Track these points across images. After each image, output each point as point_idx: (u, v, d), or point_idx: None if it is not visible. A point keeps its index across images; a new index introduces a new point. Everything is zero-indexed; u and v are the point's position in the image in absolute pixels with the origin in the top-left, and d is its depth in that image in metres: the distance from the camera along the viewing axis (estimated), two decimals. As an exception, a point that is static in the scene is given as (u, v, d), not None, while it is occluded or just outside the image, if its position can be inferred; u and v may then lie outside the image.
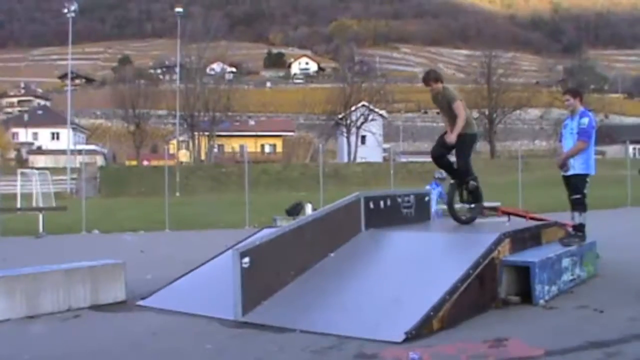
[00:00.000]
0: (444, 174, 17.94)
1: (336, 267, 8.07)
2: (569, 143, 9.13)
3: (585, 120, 8.99)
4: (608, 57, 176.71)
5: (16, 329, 7.33)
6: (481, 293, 7.34)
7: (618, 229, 8.24)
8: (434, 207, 17.10)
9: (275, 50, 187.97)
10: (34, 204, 32.91)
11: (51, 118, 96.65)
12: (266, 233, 8.19)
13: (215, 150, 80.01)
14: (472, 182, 9.58)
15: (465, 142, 9.46)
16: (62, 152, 67.95)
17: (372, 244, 8.79)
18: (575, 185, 9.12)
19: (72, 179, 51.94)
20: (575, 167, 9.04)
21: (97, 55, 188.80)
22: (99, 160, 75.26)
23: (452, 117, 9.39)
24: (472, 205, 9.88)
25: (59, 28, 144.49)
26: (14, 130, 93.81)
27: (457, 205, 9.88)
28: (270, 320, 6.98)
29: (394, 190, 13.03)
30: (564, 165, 9.11)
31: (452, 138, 9.18)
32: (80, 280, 8.38)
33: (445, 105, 9.46)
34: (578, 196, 9.10)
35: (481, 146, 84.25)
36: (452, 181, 10.01)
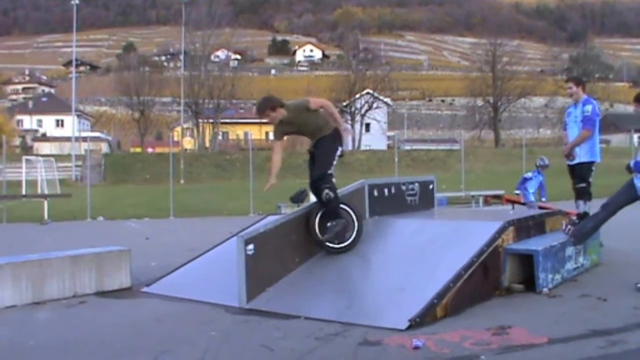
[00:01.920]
0: (546, 160, 17.46)
1: (340, 254, 8.09)
2: (573, 131, 9.11)
3: (589, 107, 8.96)
4: (613, 46, 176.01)
5: (22, 315, 7.38)
6: (485, 281, 7.36)
7: (622, 217, 8.23)
8: (530, 197, 16.66)
9: (279, 38, 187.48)
10: (39, 191, 32.93)
11: (56, 105, 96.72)
12: (270, 220, 8.20)
13: (220, 137, 79.93)
14: (327, 192, 7.81)
15: (326, 144, 8.05)
16: (67, 139, 68.06)
17: (376, 231, 8.80)
18: (580, 173, 9.11)
19: (77, 166, 51.93)
20: (581, 155, 9.03)
21: (102, 42, 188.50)
22: (104, 148, 75.40)
23: (312, 130, 8.05)
24: (329, 224, 7.92)
25: (63, 15, 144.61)
26: (19, 117, 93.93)
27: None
28: (275, 307, 7.01)
29: (398, 178, 13.01)
30: (569, 155, 9.10)
31: (346, 127, 8.10)
32: (86, 267, 8.42)
33: (299, 121, 7.96)
34: (583, 185, 9.10)
35: (486, 134, 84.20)
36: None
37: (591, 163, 9.05)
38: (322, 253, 8.09)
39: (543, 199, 16.74)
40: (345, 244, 8.08)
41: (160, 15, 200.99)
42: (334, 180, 8.08)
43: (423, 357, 5.25)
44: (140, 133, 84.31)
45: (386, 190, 9.71)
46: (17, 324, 6.96)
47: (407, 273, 7.26)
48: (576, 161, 9.10)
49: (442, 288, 6.66)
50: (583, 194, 9.13)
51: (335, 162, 8.03)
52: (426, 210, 10.53)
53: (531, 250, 7.76)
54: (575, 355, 5.19)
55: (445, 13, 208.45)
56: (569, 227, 8.37)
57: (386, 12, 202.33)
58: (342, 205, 8.16)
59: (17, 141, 79.41)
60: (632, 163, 7.88)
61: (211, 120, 76.45)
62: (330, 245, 8.01)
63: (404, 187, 10.20)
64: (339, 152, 8.07)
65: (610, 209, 8.09)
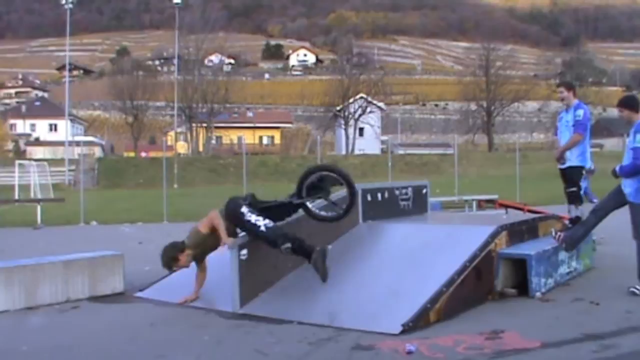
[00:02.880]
0: (592, 165, 16.97)
1: (333, 259, 8.07)
2: (565, 136, 9.14)
3: (581, 112, 8.98)
4: (606, 50, 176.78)
5: (15, 320, 7.36)
6: (478, 285, 7.38)
7: (614, 222, 8.28)
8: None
9: (273, 42, 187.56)
10: (31, 196, 32.86)
11: (49, 109, 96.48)
12: (264, 225, 8.17)
13: (213, 141, 79.91)
14: (285, 247, 7.23)
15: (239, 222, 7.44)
16: (60, 143, 67.80)
17: (370, 236, 8.82)
18: (570, 177, 9.13)
19: (70, 170, 51.83)
20: (571, 159, 9.05)
21: (95, 46, 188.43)
22: (97, 152, 75.18)
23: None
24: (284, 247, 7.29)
25: (57, 19, 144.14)
26: (12, 121, 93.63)
27: None
28: (268, 312, 7.01)
29: (391, 182, 13.03)
30: (560, 158, 9.13)
31: (228, 242, 7.29)
32: (79, 272, 8.40)
33: (210, 245, 7.63)
34: (574, 189, 9.10)
35: (479, 139, 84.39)
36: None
37: (581, 167, 9.07)
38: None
39: (594, 200, 16.40)
40: (341, 212, 7.70)
41: (154, 20, 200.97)
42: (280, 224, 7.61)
43: (416, 362, 5.26)
44: (134, 137, 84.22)
45: (379, 195, 9.72)
46: (10, 329, 6.95)
47: (400, 278, 7.27)
48: (567, 165, 9.11)
49: (435, 292, 6.67)
50: (574, 199, 9.14)
51: (254, 219, 7.32)
52: (419, 214, 10.54)
53: (524, 255, 7.79)
54: (568, 359, 5.21)
55: (439, 17, 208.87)
56: (559, 233, 8.39)
57: (380, 16, 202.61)
58: (329, 173, 7.65)
59: (10, 145, 79.23)
60: (617, 168, 7.90)
61: (205, 125, 76.45)
62: (323, 214, 7.82)
63: (397, 192, 10.21)
64: (245, 213, 7.36)
65: (599, 214, 8.13)
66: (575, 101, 9.16)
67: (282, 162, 60.96)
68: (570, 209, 9.26)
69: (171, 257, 7.55)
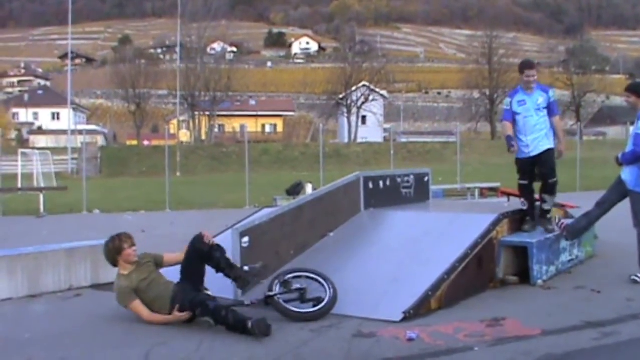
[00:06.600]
0: None
1: (335, 246, 8.11)
2: (534, 121, 8.30)
3: (553, 92, 8.47)
4: (610, 38, 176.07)
5: (18, 308, 7.39)
6: (479, 273, 7.39)
7: (617, 210, 8.26)
8: None
9: (276, 30, 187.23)
10: (34, 184, 32.85)
11: (52, 98, 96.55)
12: (266, 213, 8.19)
13: (216, 130, 79.88)
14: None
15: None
16: (63, 132, 67.83)
17: (371, 223, 8.82)
18: (551, 163, 8.40)
19: (73, 159, 51.82)
20: (545, 141, 8.35)
21: (98, 35, 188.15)
22: (100, 140, 75.18)
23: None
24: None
25: (59, 8, 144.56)
26: (15, 110, 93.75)
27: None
28: (270, 299, 7.00)
29: (393, 170, 13.03)
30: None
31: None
32: (82, 260, 8.43)
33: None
34: (555, 179, 8.50)
35: (482, 127, 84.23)
36: None
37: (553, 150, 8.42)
38: (317, 245, 8.11)
39: None
40: (317, 308, 6.42)
41: (156, 8, 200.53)
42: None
43: (417, 349, 5.27)
44: (137, 126, 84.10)
45: (381, 183, 9.72)
46: (13, 317, 6.98)
47: (402, 265, 7.28)
48: (544, 149, 8.29)
49: (437, 280, 6.69)
50: (553, 188, 8.55)
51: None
52: (421, 202, 10.55)
53: (526, 243, 7.79)
54: (568, 346, 5.22)
55: (441, 5, 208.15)
56: (562, 221, 8.29)
57: (383, 4, 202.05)
58: (312, 275, 6.79)
59: (13, 134, 79.20)
60: (620, 155, 7.86)
61: (207, 113, 76.38)
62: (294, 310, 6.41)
63: (399, 180, 10.21)
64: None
65: (604, 207, 8.05)
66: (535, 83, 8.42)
67: (284, 150, 60.96)
68: (546, 199, 8.57)
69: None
